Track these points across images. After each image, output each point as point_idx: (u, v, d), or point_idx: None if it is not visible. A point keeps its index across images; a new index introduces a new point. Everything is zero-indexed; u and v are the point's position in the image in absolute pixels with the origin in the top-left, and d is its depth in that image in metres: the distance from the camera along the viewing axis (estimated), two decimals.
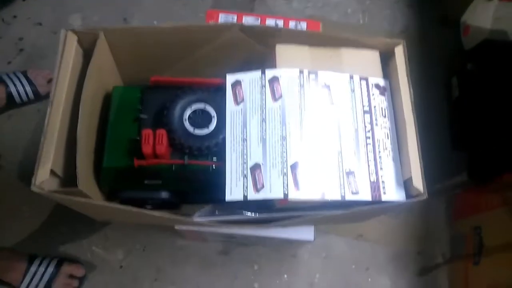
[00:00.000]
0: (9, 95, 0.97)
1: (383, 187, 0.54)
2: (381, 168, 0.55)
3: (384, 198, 0.53)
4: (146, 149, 0.54)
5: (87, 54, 0.58)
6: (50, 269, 0.88)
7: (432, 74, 1.14)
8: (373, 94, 0.60)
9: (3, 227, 0.93)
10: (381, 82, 0.61)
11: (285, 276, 0.96)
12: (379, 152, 0.56)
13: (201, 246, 0.96)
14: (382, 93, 0.60)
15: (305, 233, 0.71)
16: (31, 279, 0.87)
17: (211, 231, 0.63)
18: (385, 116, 0.59)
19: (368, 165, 0.55)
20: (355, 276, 0.97)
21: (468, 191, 1.00)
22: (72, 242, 0.94)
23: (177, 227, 0.65)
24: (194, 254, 0.95)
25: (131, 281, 0.93)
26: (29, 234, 0.93)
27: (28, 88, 0.98)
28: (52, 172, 0.50)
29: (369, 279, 0.97)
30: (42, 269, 0.88)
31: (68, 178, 0.54)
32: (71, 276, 0.88)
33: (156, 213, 0.51)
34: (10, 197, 0.95)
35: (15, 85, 0.97)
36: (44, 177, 0.48)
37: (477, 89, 1.00)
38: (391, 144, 0.57)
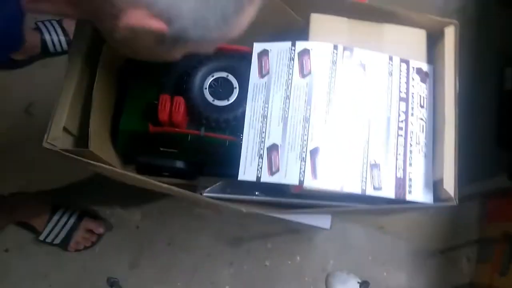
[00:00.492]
0: (44, 43, 0.97)
1: (410, 185, 0.49)
2: (410, 164, 0.50)
3: (408, 197, 0.49)
4: (162, 115, 0.52)
5: None
6: (72, 220, 0.90)
7: (485, 62, 1.04)
8: (413, 79, 0.54)
9: (28, 176, 0.96)
10: (424, 67, 0.55)
11: (298, 258, 0.94)
12: (411, 146, 0.51)
13: (217, 218, 0.95)
14: (423, 80, 0.54)
15: (321, 220, 0.68)
16: (53, 227, 0.90)
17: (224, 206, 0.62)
18: (423, 107, 0.53)
19: (396, 159, 0.50)
20: (370, 268, 0.94)
21: (507, 194, 0.93)
22: (93, 197, 0.96)
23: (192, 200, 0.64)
24: (209, 225, 0.95)
25: (145, 242, 0.94)
26: (51, 186, 0.96)
27: (62, 38, 0.98)
28: (66, 130, 0.49)
29: (385, 273, 0.93)
30: (64, 219, 0.90)
31: (84, 138, 0.53)
32: (90, 231, 0.91)
33: (164, 185, 0.49)
34: (37, 147, 0.97)
35: (50, 33, 0.97)
36: (57, 134, 0.47)
37: None
38: (425, 138, 0.52)
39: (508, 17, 1.05)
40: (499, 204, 0.93)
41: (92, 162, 0.47)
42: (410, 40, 0.55)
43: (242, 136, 0.52)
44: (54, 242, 0.90)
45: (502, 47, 1.04)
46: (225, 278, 0.93)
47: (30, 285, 0.91)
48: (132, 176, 0.50)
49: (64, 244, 0.90)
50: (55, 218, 0.90)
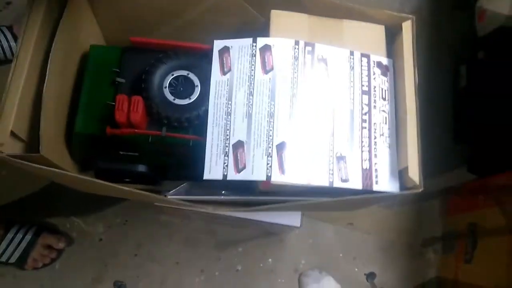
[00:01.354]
0: None
1: (376, 176, 0.50)
2: (375, 155, 0.50)
3: (375, 188, 0.49)
4: (120, 116, 0.49)
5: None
6: (28, 236, 0.84)
7: (440, 61, 1.08)
8: (374, 73, 0.54)
9: None
10: (384, 61, 0.55)
11: (270, 260, 0.93)
12: (375, 137, 0.51)
13: (184, 224, 0.93)
14: (384, 73, 0.55)
15: (291, 218, 0.67)
16: (8, 245, 0.84)
17: (190, 210, 0.59)
18: (385, 99, 0.54)
19: (362, 151, 0.50)
20: (342, 264, 0.94)
21: (466, 186, 0.96)
22: (50, 210, 0.90)
23: (156, 203, 0.61)
24: (177, 232, 0.92)
25: (110, 255, 0.90)
26: (3, 200, 0.90)
27: (13, 44, 0.93)
28: (14, 135, 0.45)
29: (356, 269, 0.94)
30: (19, 236, 0.84)
31: (35, 143, 0.49)
32: (49, 247, 0.85)
33: (125, 189, 0.47)
34: None
35: None
36: (2, 139, 0.43)
37: (487, 79, 0.94)
38: (388, 129, 0.52)
39: (461, 19, 1.09)
40: (459, 197, 0.96)
41: (43, 167, 0.44)
42: (370, 35, 0.56)
43: (206, 135, 0.50)
44: (10, 261, 0.84)
45: (454, 46, 1.08)
46: (196, 286, 0.90)
47: None
48: (89, 180, 0.47)
49: (20, 263, 0.84)
50: (9, 235, 0.83)
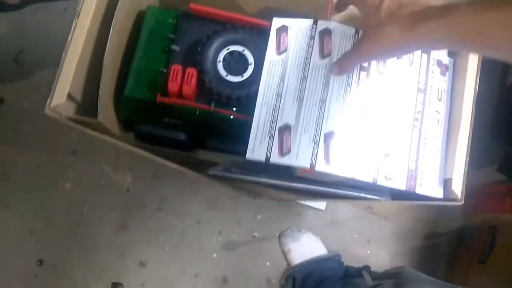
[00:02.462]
0: None
1: (421, 178, 0.49)
2: (423, 157, 0.50)
3: (418, 190, 0.49)
4: (172, 86, 0.49)
5: None
6: None
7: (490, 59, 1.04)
8: (432, 72, 0.52)
9: (16, 127, 0.92)
10: (445, 59, 0.53)
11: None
12: (425, 138, 0.50)
13: (210, 185, 0.95)
14: (443, 73, 0.53)
15: (318, 202, 0.68)
16: None
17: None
18: (440, 100, 0.52)
19: (410, 151, 0.50)
20: (355, 245, 0.96)
21: (494, 187, 0.95)
22: (84, 155, 0.93)
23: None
24: (202, 192, 0.95)
25: (134, 206, 0.93)
26: (42, 136, 0.92)
27: None
28: (70, 96, 0.45)
29: (368, 251, 0.96)
30: None
31: (86, 103, 0.50)
32: None
33: (173, 165, 0.48)
34: (24, 95, 0.92)
35: None
36: (60, 101, 0.44)
37: None
38: (440, 132, 0.51)
39: None
40: (486, 195, 0.95)
41: (98, 134, 0.45)
42: None
43: (254, 114, 0.50)
44: None
45: None
46: (213, 245, 0.94)
47: None
48: (139, 152, 0.48)
49: None
50: None
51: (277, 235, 0.94)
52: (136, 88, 0.52)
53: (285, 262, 0.94)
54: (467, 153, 0.48)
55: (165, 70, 0.51)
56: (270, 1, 0.57)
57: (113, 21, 0.47)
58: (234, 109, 0.52)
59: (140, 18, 0.55)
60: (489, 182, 0.96)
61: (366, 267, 0.83)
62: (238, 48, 0.51)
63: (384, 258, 0.97)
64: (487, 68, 1.01)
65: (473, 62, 0.51)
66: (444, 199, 0.49)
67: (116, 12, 0.47)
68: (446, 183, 0.49)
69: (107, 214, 0.92)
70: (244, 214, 0.95)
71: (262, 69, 0.50)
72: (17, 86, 0.93)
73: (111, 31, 0.46)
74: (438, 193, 0.49)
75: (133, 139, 0.60)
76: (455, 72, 0.53)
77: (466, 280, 0.88)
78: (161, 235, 0.93)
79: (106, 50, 0.47)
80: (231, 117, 0.52)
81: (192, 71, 0.49)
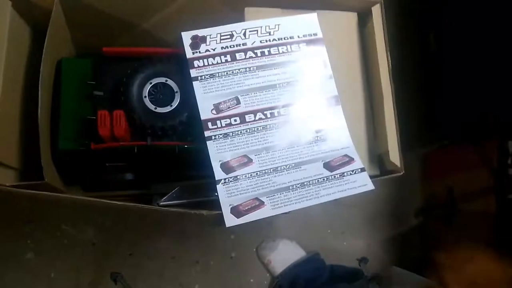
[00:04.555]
0: None
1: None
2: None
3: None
4: (103, 131, 0.49)
5: (30, 20, 0.51)
6: None
7: (410, 29, 1.10)
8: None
9: None
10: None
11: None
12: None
13: (175, 219, 0.94)
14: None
15: None
16: None
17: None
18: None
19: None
20: (330, 240, 0.98)
21: (443, 149, 1.00)
22: (40, 222, 0.90)
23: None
24: (169, 227, 0.93)
25: (104, 258, 0.90)
26: None
27: None
28: (3, 165, 0.44)
29: (345, 243, 0.98)
30: None
31: (23, 166, 0.49)
32: None
33: (129, 204, 0.47)
34: None
35: None
36: None
37: (454, 43, 0.97)
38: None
39: None
40: (437, 159, 1.00)
41: (49, 193, 0.44)
42: (342, 25, 0.57)
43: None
44: None
45: (422, 13, 1.10)
46: (193, 277, 0.92)
47: None
48: (94, 200, 0.47)
49: None
50: None
51: (254, 249, 0.94)
52: (69, 140, 0.52)
53: (268, 275, 0.94)
54: (396, 125, 0.51)
55: (94, 117, 0.51)
56: (182, 27, 0.58)
57: (40, 74, 0.46)
58: (172, 138, 0.53)
59: (58, 70, 0.55)
60: (438, 147, 1.02)
61: (364, 259, 0.84)
62: (161, 79, 0.52)
63: (360, 245, 0.99)
64: (410, 42, 1.08)
65: (380, 43, 0.54)
66: (386, 172, 0.52)
67: (41, 64, 0.47)
68: (383, 158, 0.52)
69: (77, 274, 0.88)
70: (216, 238, 0.94)
71: (188, 94, 0.51)
72: None
73: (40, 84, 0.46)
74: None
75: (80, 191, 0.59)
76: (368, 55, 0.57)
77: (439, 245, 0.92)
78: (138, 281, 0.90)
79: (39, 109, 0.46)
80: (171, 146, 0.52)
81: (119, 113, 0.49)
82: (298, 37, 0.55)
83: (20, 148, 0.50)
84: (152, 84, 0.52)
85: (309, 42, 0.55)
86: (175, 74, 0.53)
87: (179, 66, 0.53)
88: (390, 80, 0.53)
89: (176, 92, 0.52)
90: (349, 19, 0.57)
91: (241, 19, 0.54)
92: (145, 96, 0.51)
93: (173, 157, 0.53)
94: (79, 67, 0.54)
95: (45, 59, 0.48)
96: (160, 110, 0.52)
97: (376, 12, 0.56)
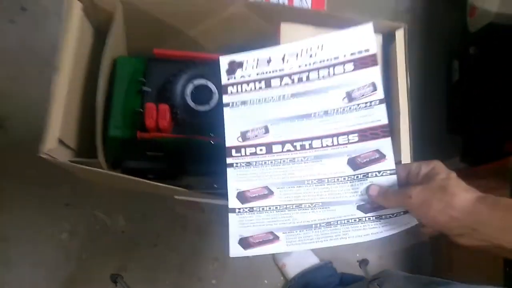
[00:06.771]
0: None
1: None
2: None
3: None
4: (149, 123, 0.56)
5: (94, 21, 0.59)
6: None
7: (434, 55, 1.15)
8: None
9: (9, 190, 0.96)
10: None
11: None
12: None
13: (198, 216, 1.00)
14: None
15: None
16: None
17: (207, 202, 0.66)
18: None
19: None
20: (344, 251, 1.01)
21: (459, 173, 1.02)
22: (76, 206, 0.98)
23: (176, 197, 0.68)
24: (192, 223, 0.99)
25: (132, 246, 0.97)
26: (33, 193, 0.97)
27: None
28: (62, 142, 0.52)
29: (357, 254, 1.01)
30: None
31: (78, 146, 0.57)
32: None
33: (152, 183, 0.54)
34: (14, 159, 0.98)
35: None
36: (52, 145, 0.50)
37: (478, 73, 1.01)
38: None
39: (450, 16, 1.15)
40: None
41: (102, 171, 0.51)
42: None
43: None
44: None
45: (448, 41, 1.14)
46: (211, 272, 0.98)
47: None
48: (130, 179, 0.54)
49: None
50: None
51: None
52: (117, 129, 0.59)
53: (282, 278, 0.98)
54: (410, 142, 0.56)
55: (141, 110, 0.59)
56: (224, 39, 0.66)
57: (100, 70, 0.54)
58: (207, 134, 0.60)
59: (113, 67, 0.63)
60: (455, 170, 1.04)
61: (364, 261, 0.87)
62: (202, 81, 0.59)
63: (373, 258, 1.02)
64: (433, 69, 1.12)
65: (401, 64, 0.59)
66: None
67: (102, 61, 0.55)
68: None
69: (106, 258, 0.95)
70: None
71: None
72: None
73: (99, 78, 0.54)
74: None
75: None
76: (390, 76, 0.62)
77: (452, 260, 0.93)
78: (160, 270, 0.96)
79: (98, 95, 0.54)
80: (206, 141, 0.59)
81: (164, 107, 0.56)
82: (345, 56, 0.51)
83: (77, 131, 0.58)
84: (194, 84, 0.59)
85: (358, 61, 0.50)
86: (214, 77, 0.59)
87: (217, 71, 0.60)
88: (407, 98, 0.57)
89: (214, 93, 0.59)
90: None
91: (276, 31, 0.60)
92: (187, 95, 0.58)
93: (207, 152, 0.60)
94: (132, 65, 0.62)
95: (104, 57, 0.56)
96: (199, 108, 0.58)
97: (399, 36, 0.61)
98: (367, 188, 0.47)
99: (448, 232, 0.42)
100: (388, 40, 0.63)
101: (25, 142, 0.97)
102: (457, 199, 0.40)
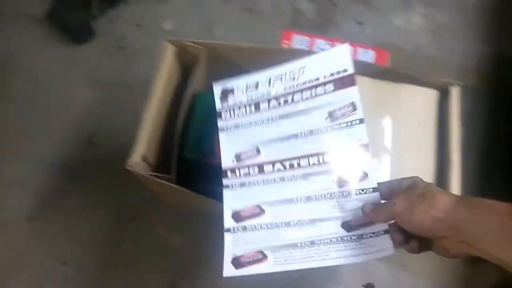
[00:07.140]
0: None
1: None
2: None
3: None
4: (218, 150, 0.64)
5: (181, 60, 0.70)
6: None
7: (502, 109, 1.12)
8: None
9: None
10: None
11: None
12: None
13: None
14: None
15: None
16: None
17: None
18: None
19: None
20: (347, 277, 0.97)
21: None
22: (141, 220, 1.07)
23: None
24: None
25: (186, 264, 1.02)
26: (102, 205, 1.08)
27: None
28: (144, 158, 0.62)
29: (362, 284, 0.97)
30: None
31: (156, 163, 0.66)
32: None
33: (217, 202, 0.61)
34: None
35: None
36: (137, 159, 0.60)
37: None
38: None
39: None
40: None
41: (174, 186, 0.59)
42: (423, 99, 0.67)
43: None
44: None
45: None
46: None
47: None
48: (193, 195, 0.62)
49: None
50: None
51: None
52: (191, 151, 0.68)
53: None
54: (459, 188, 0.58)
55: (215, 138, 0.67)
56: None
57: (181, 102, 0.65)
58: None
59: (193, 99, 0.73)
60: None
61: (369, 285, 0.83)
62: None
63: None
64: (498, 120, 1.09)
65: (454, 118, 0.63)
66: None
67: (183, 96, 0.66)
68: None
69: (161, 274, 1.02)
70: (282, 274, 1.00)
71: None
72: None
73: (180, 108, 0.64)
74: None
75: None
76: (443, 128, 0.65)
77: None
78: None
79: (177, 122, 0.64)
80: None
81: None
82: (325, 77, 0.52)
83: (157, 151, 0.68)
84: None
85: (337, 81, 0.51)
86: None
87: None
88: (459, 149, 0.60)
89: None
90: (430, 95, 0.67)
91: None
92: None
93: None
94: (208, 100, 0.71)
95: (187, 92, 0.67)
96: None
97: (454, 93, 0.65)
98: (362, 206, 0.48)
99: (432, 235, 0.42)
100: (443, 96, 0.67)
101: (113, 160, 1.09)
102: (439, 200, 0.40)
